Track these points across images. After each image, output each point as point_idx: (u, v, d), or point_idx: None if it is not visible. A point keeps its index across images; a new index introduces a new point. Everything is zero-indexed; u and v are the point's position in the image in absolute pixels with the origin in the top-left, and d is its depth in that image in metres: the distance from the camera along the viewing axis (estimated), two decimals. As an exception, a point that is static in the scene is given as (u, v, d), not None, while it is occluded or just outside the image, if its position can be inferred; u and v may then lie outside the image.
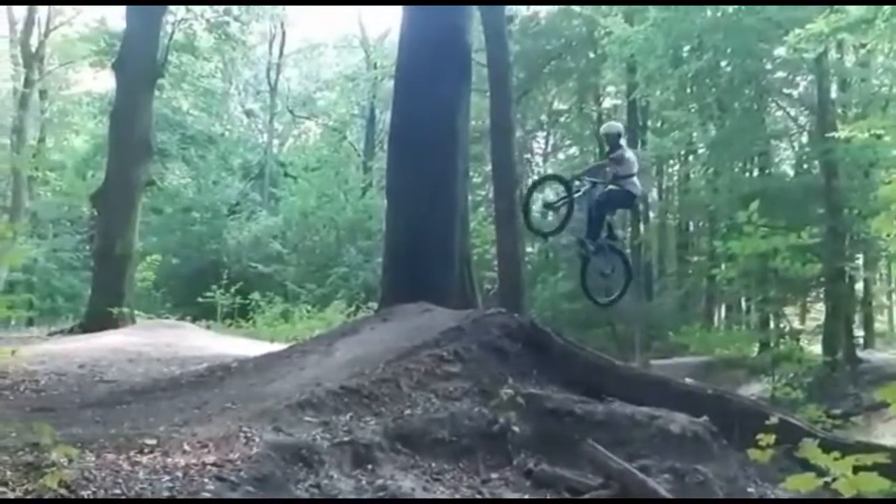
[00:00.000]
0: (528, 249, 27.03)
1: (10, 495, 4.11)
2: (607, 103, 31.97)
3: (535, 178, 11.04)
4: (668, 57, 21.84)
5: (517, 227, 15.97)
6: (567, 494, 5.28)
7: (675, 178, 31.70)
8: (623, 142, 9.58)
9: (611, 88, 30.57)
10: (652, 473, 5.07)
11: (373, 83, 33.35)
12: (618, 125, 10.41)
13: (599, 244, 9.55)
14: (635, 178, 9.45)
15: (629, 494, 4.71)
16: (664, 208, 31.91)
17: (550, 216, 10.17)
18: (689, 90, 23.78)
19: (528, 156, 33.90)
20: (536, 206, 10.58)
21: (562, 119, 32.95)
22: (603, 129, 10.70)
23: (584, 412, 6.31)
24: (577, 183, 9.50)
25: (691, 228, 32.35)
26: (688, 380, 8.48)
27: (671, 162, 29.36)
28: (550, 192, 10.27)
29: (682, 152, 26.73)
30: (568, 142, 34.66)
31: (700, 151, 25.87)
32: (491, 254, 23.46)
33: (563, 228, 9.93)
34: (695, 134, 24.65)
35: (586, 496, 4.94)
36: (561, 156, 35.56)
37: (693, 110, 24.37)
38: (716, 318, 29.33)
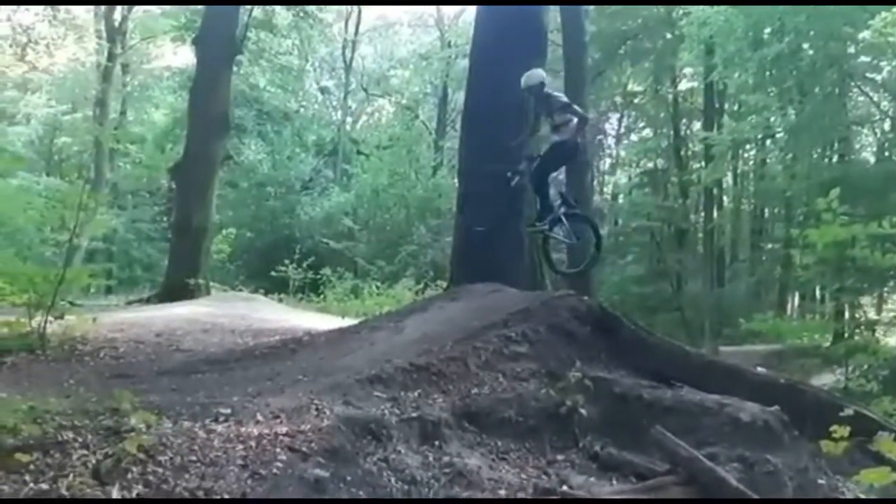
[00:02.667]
0: (598, 231, 26.82)
1: (92, 458, 4.26)
2: (683, 85, 31.48)
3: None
4: (747, 39, 21.35)
5: (588, 208, 15.86)
6: (633, 479, 5.27)
7: (752, 163, 31.10)
8: (548, 88, 9.17)
9: (687, 70, 30.01)
10: (720, 461, 5.02)
11: (446, 62, 33.33)
12: (539, 72, 9.49)
13: (554, 219, 9.25)
14: (573, 123, 9.00)
15: (697, 482, 4.68)
16: (739, 193, 31.36)
17: None
18: (768, 73, 23.20)
19: (601, 137, 33.59)
20: None
21: (636, 100, 32.53)
22: (524, 81, 9.27)
23: (652, 397, 6.27)
24: (510, 174, 9.11)
25: (766, 215, 31.73)
26: (759, 368, 8.33)
27: (748, 146, 28.75)
28: None
29: (760, 137, 26.13)
30: (642, 123, 34.22)
31: (778, 136, 25.27)
32: (560, 235, 23.33)
33: None
34: (773, 118, 24.06)
35: (652, 481, 4.92)
36: (634, 137, 35.13)
37: (772, 94, 23.78)
38: (789, 306, 28.79)
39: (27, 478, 4.01)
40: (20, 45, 26.91)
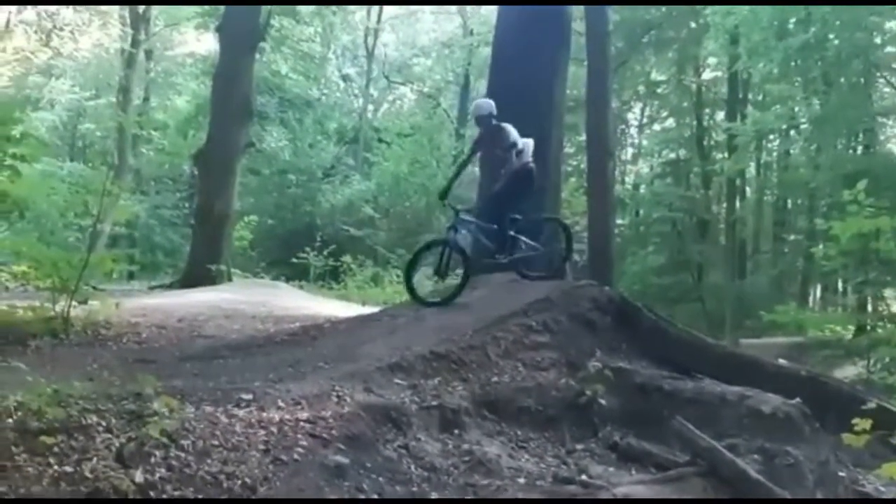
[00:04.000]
0: (619, 222, 26.73)
1: (115, 442, 4.31)
2: (707, 75, 31.25)
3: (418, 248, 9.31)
4: (773, 28, 21.15)
5: (609, 198, 15.81)
6: (653, 469, 5.27)
7: (775, 153, 30.85)
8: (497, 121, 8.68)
9: (712, 60, 29.80)
10: (741, 453, 5.01)
11: (468, 50, 33.20)
12: (488, 102, 8.99)
13: (511, 247, 8.78)
14: (519, 144, 8.56)
15: (717, 473, 4.67)
16: (762, 185, 31.10)
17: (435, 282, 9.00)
18: (793, 63, 22.98)
19: (624, 127, 33.42)
20: (417, 277, 9.28)
21: (659, 90, 32.33)
22: (472, 111, 8.97)
23: (672, 388, 6.27)
24: (451, 233, 8.55)
25: (789, 206, 31.49)
26: (781, 360, 8.31)
27: (771, 137, 28.51)
28: (432, 256, 9.21)
29: (784, 127, 25.89)
30: (664, 113, 33.99)
31: (802, 127, 25.04)
32: (581, 225, 23.27)
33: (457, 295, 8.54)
34: (797, 109, 23.85)
35: (671, 472, 4.92)
36: (656, 127, 34.93)
37: (797, 84, 23.58)
38: (811, 298, 28.60)
39: (51, 460, 4.07)
40: (45, 31, 27.10)
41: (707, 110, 31.13)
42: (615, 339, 7.32)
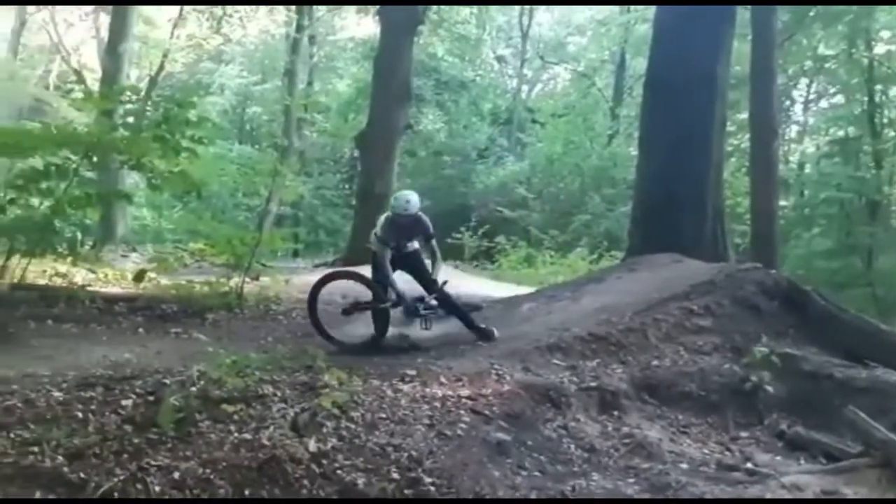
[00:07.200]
0: (782, 203, 25.71)
1: (290, 411, 4.54)
2: (880, 49, 29.50)
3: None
4: (956, -2, 19.82)
5: (773, 179, 15.28)
6: (822, 459, 5.10)
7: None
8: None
9: (885, 33, 28.10)
10: (918, 446, 4.79)
11: (625, 28, 32.57)
12: (416, 198, 7.94)
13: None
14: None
15: (892, 465, 4.48)
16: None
17: None
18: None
19: (789, 103, 32.05)
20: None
21: (827, 65, 30.75)
22: (404, 207, 7.73)
23: (844, 377, 6.02)
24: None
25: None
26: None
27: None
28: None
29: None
30: (832, 90, 32.32)
31: None
32: (743, 206, 22.57)
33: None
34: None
35: (844, 463, 4.75)
36: (824, 104, 33.31)
37: (980, 58, 22.00)
38: None
39: (231, 427, 4.33)
40: (216, 18, 28.25)
41: (879, 86, 29.38)
42: (782, 324, 7.08)
